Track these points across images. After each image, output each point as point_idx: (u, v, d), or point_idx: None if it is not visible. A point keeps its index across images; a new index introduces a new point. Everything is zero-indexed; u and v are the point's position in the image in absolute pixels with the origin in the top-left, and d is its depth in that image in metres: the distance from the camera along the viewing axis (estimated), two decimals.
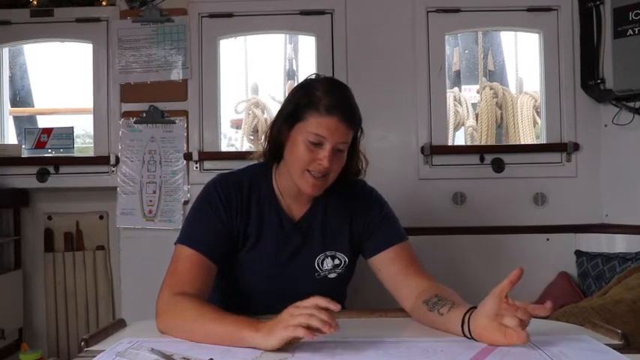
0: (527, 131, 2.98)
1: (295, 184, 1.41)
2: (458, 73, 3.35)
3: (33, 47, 2.89)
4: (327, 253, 1.47)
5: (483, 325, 1.12)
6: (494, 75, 3.32)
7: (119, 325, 1.30)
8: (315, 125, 1.33)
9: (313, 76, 1.45)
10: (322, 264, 1.47)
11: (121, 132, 2.55)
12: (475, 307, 1.16)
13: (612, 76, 2.32)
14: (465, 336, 1.15)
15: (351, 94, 1.42)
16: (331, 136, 1.34)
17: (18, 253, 2.67)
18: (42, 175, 2.59)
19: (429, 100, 2.50)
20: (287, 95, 1.47)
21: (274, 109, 2.94)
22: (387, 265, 1.42)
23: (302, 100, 1.37)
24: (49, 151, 2.68)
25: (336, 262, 1.48)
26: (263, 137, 1.50)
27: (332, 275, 1.48)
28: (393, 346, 1.12)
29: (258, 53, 3.08)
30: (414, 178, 2.50)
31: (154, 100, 2.54)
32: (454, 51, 3.29)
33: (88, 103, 2.65)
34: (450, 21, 2.54)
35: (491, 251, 2.48)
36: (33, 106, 3.09)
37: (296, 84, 1.65)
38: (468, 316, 1.15)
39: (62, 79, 3.04)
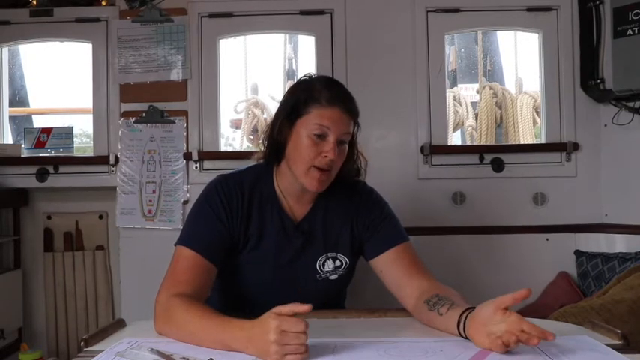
0: (527, 131, 2.98)
1: (297, 183, 1.41)
2: (454, 73, 3.36)
3: (30, 47, 2.88)
4: (329, 254, 1.48)
5: (475, 327, 1.12)
6: (492, 75, 3.33)
7: (119, 325, 1.30)
8: (319, 117, 1.35)
9: (307, 76, 1.46)
10: (323, 265, 1.47)
11: (120, 132, 2.54)
12: (474, 308, 1.16)
13: (612, 75, 2.32)
14: (460, 335, 1.15)
15: (347, 90, 1.44)
16: (335, 126, 1.35)
17: (18, 253, 2.67)
18: (41, 175, 2.59)
19: (429, 100, 2.50)
20: (284, 95, 1.47)
21: (274, 108, 2.94)
22: (389, 266, 1.42)
23: (302, 95, 1.39)
24: (49, 151, 2.68)
25: (337, 263, 1.48)
26: (261, 139, 1.50)
27: (333, 277, 1.48)
28: (393, 346, 1.12)
29: (257, 53, 3.08)
30: (414, 178, 2.50)
31: (154, 100, 2.54)
32: (451, 50, 3.30)
33: (86, 102, 2.65)
34: (450, 21, 2.54)
35: (491, 251, 2.48)
36: (28, 106, 3.10)
37: None
38: (465, 316, 1.15)
39: (60, 79, 3.04)
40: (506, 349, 1.06)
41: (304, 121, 1.37)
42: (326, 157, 1.35)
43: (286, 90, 1.50)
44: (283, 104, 1.44)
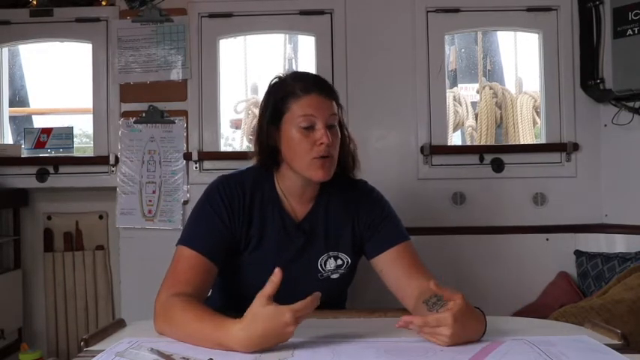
0: (527, 131, 2.98)
1: (300, 181, 1.42)
2: (454, 73, 3.36)
3: (30, 47, 2.88)
4: (330, 253, 1.48)
5: None
6: (492, 75, 3.33)
7: (119, 325, 1.30)
8: (300, 108, 1.36)
9: (276, 77, 1.47)
10: (325, 265, 1.47)
11: (120, 132, 2.54)
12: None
13: (612, 76, 2.32)
14: None
15: (319, 76, 1.48)
16: (319, 111, 1.36)
17: (17, 253, 2.66)
18: (41, 175, 2.59)
19: (429, 100, 2.50)
20: (261, 103, 1.48)
21: None
22: (389, 265, 1.43)
23: (277, 95, 1.41)
24: (49, 151, 2.68)
25: (339, 262, 1.48)
26: (253, 149, 1.49)
27: (334, 276, 1.48)
28: (393, 346, 1.12)
29: (257, 53, 3.08)
30: (414, 178, 2.50)
31: (154, 100, 2.54)
32: (451, 50, 3.30)
33: (86, 102, 2.65)
34: (450, 21, 2.54)
35: (491, 251, 2.48)
36: (28, 106, 3.10)
37: None
38: None
39: (60, 79, 3.04)
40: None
41: (288, 118, 1.38)
42: (322, 144, 1.35)
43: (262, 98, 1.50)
44: (262, 111, 1.45)
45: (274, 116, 1.40)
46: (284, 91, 1.39)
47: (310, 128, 1.36)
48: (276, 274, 1.10)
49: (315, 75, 1.47)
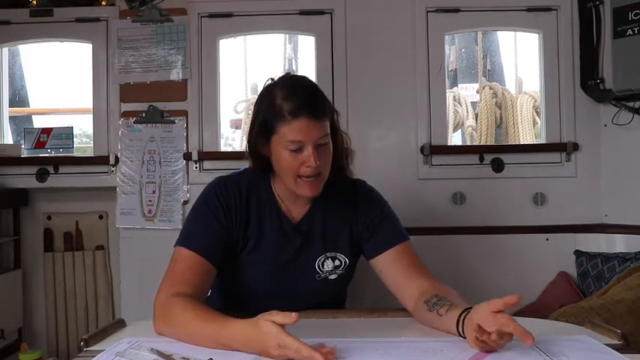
0: (527, 131, 2.99)
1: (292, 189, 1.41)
2: (454, 73, 3.36)
3: (30, 47, 2.88)
4: (328, 254, 1.48)
5: (469, 329, 1.11)
6: (492, 75, 3.33)
7: (119, 325, 1.30)
8: (288, 133, 1.32)
9: (270, 81, 1.42)
10: (323, 265, 1.47)
11: (120, 132, 2.54)
12: (472, 307, 1.16)
13: (612, 76, 2.32)
14: (460, 335, 1.15)
15: (310, 85, 1.41)
16: (307, 136, 1.33)
17: (17, 253, 2.66)
18: (41, 175, 2.59)
19: (429, 99, 2.50)
20: (253, 109, 1.44)
21: None
22: (388, 265, 1.42)
23: (267, 113, 1.36)
24: (49, 151, 2.68)
25: (337, 263, 1.48)
26: (245, 152, 1.48)
27: (332, 276, 1.48)
28: (393, 346, 1.12)
29: (257, 53, 3.08)
30: (414, 178, 2.50)
31: (154, 100, 2.54)
32: (451, 50, 3.30)
33: (86, 102, 2.65)
34: (450, 21, 2.54)
35: (491, 251, 2.48)
36: (28, 106, 3.10)
37: None
38: (463, 316, 1.15)
39: (60, 79, 3.04)
40: (494, 350, 1.07)
41: (276, 139, 1.35)
42: (309, 166, 1.34)
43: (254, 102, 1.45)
44: (253, 121, 1.42)
45: (263, 132, 1.37)
46: (273, 112, 1.34)
47: (299, 150, 1.34)
48: (293, 318, 1.03)
49: (305, 91, 1.37)
